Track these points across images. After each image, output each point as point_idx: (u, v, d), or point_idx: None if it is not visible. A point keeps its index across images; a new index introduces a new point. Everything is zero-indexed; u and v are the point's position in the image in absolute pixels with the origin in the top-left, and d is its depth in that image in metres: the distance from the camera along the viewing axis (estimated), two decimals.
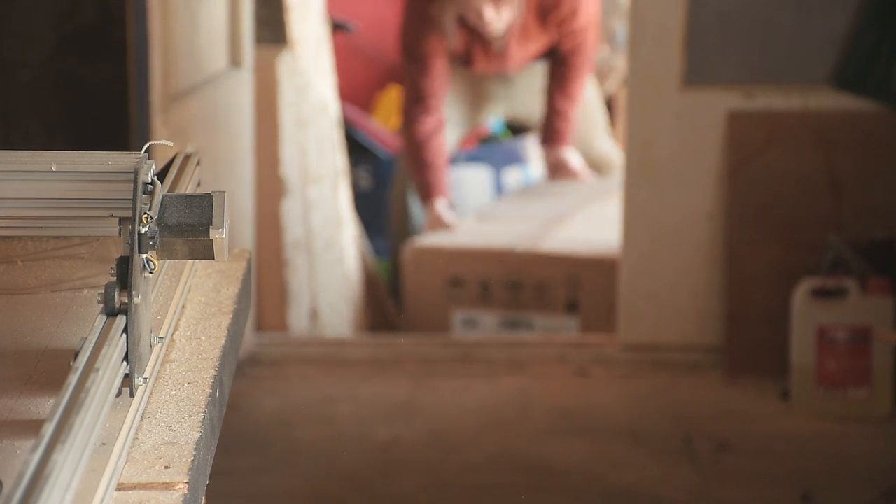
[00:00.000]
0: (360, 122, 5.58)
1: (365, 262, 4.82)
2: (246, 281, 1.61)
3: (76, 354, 1.08)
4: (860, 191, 3.89)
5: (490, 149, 5.80)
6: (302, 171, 4.42)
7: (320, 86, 4.64)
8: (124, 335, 1.14)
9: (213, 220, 1.25)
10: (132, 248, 1.17)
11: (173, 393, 1.26)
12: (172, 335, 1.40)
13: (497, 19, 4.58)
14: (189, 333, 1.41)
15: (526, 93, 5.06)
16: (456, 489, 3.28)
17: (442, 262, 4.45)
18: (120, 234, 1.32)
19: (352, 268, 4.68)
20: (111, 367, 1.10)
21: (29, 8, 3.00)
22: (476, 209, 5.17)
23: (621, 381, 3.90)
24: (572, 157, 4.93)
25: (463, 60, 4.82)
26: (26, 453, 1.05)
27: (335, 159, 4.64)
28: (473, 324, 4.44)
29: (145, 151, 1.28)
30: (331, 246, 4.56)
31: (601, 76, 5.98)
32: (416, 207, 4.88)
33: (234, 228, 3.80)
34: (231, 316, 1.47)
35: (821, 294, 3.67)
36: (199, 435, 1.18)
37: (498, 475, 3.34)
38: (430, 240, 4.60)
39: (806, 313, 3.68)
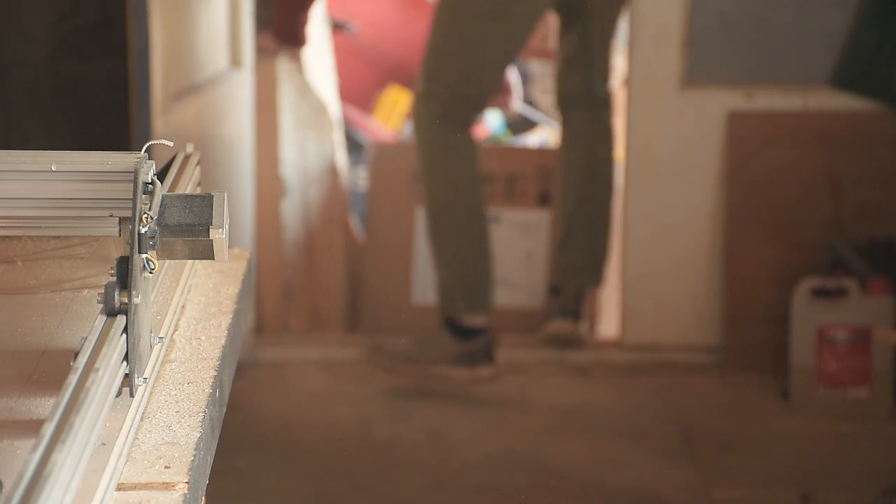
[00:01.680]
0: (360, 122, 5.58)
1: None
2: (246, 281, 1.61)
3: (76, 354, 1.08)
4: (860, 191, 3.89)
5: None
6: (302, 171, 4.43)
7: (320, 86, 4.64)
8: (124, 335, 1.14)
9: (213, 220, 1.25)
10: (132, 248, 1.17)
11: (173, 393, 1.26)
12: (172, 335, 1.40)
13: None
14: (189, 333, 1.41)
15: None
16: (456, 489, 3.28)
17: (407, 158, 4.21)
18: (120, 234, 1.32)
19: (351, 267, 4.68)
20: (111, 367, 1.10)
21: (29, 8, 3.00)
22: None
23: (621, 381, 3.90)
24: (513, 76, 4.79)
25: None
26: (26, 453, 1.05)
27: (335, 159, 4.64)
28: None
29: (145, 151, 1.28)
30: (331, 246, 4.56)
31: None
32: None
33: (234, 228, 3.81)
34: (231, 316, 1.47)
35: (821, 294, 3.67)
36: (199, 435, 1.18)
37: (498, 475, 3.34)
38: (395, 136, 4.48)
39: (806, 313, 3.68)
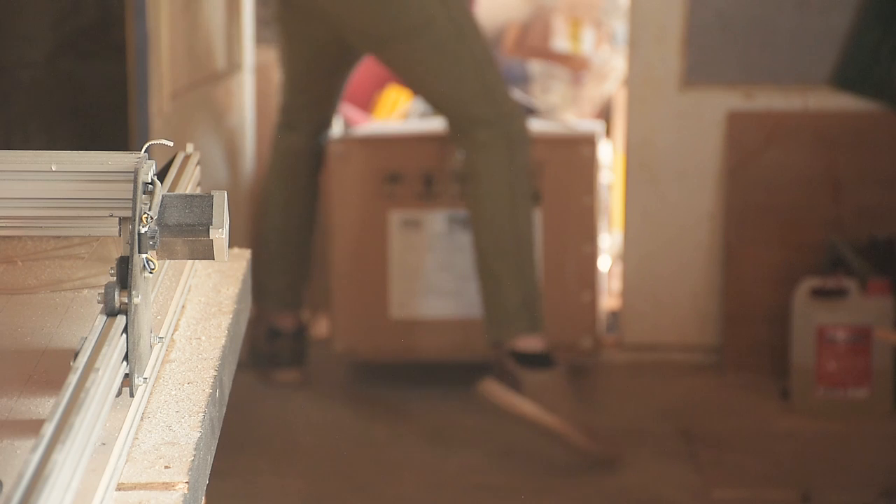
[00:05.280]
0: (360, 122, 5.58)
1: None
2: (246, 281, 1.61)
3: (76, 354, 1.08)
4: (860, 191, 3.89)
5: None
6: None
7: None
8: (124, 335, 1.14)
9: (213, 219, 1.25)
10: (132, 248, 1.17)
11: (173, 393, 1.26)
12: (172, 335, 1.40)
13: None
14: (189, 333, 1.41)
15: None
16: (456, 489, 3.28)
17: (375, 154, 3.76)
18: (120, 234, 1.32)
19: None
20: (111, 367, 1.10)
21: (29, 8, 3.00)
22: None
23: (621, 381, 3.90)
24: None
25: None
26: (26, 453, 1.05)
27: None
28: (415, 225, 3.77)
29: (145, 151, 1.28)
30: None
31: (601, 76, 5.98)
32: None
33: (234, 228, 3.80)
34: (231, 316, 1.47)
35: (821, 294, 3.67)
36: (199, 435, 1.18)
37: (498, 475, 3.34)
38: (360, 129, 3.91)
39: (806, 313, 3.68)
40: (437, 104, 3.56)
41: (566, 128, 3.82)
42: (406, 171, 3.74)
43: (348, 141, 3.77)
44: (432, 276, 3.74)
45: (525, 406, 3.40)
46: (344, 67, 3.77)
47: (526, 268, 3.47)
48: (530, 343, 3.46)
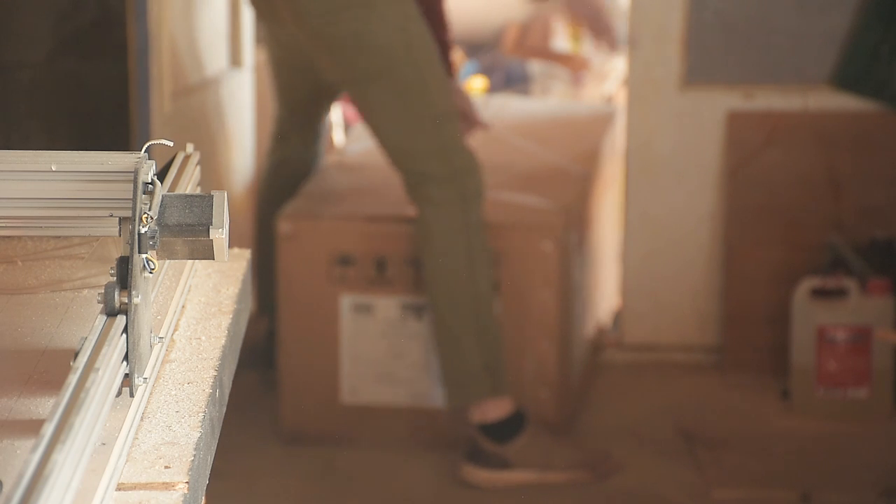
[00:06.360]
0: (358, 121, 5.57)
1: None
2: (246, 281, 1.61)
3: (76, 354, 1.08)
4: (860, 191, 3.89)
5: (488, 66, 5.67)
6: None
7: None
8: (124, 335, 1.14)
9: (213, 219, 1.25)
10: (132, 248, 1.17)
11: (173, 393, 1.26)
12: (172, 335, 1.40)
13: None
14: (189, 333, 1.42)
15: None
16: (456, 488, 3.28)
17: (325, 235, 3.52)
18: (120, 234, 1.32)
19: None
20: (111, 367, 1.10)
21: (29, 8, 3.00)
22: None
23: (621, 381, 3.90)
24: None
25: None
26: (26, 453, 1.05)
27: None
28: (367, 310, 3.52)
29: (145, 151, 1.29)
30: None
31: (601, 76, 5.98)
32: None
33: (234, 228, 3.80)
34: (231, 316, 1.47)
35: (821, 294, 3.67)
36: (199, 435, 1.18)
37: None
38: (310, 206, 3.62)
39: (806, 313, 3.68)
40: (391, 155, 3.36)
41: (532, 211, 3.50)
42: (357, 254, 3.51)
43: (299, 217, 3.55)
44: (384, 363, 3.54)
45: (522, 476, 3.31)
46: (329, 96, 3.72)
47: (486, 328, 3.32)
48: (497, 409, 3.32)
